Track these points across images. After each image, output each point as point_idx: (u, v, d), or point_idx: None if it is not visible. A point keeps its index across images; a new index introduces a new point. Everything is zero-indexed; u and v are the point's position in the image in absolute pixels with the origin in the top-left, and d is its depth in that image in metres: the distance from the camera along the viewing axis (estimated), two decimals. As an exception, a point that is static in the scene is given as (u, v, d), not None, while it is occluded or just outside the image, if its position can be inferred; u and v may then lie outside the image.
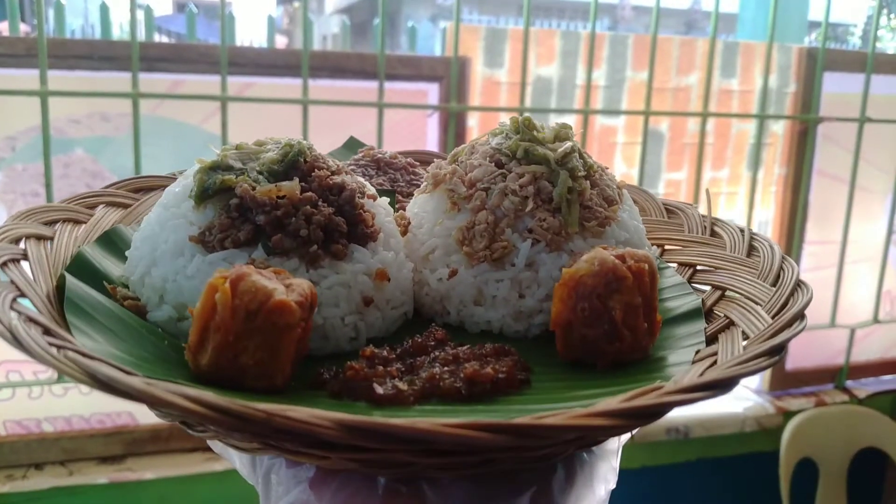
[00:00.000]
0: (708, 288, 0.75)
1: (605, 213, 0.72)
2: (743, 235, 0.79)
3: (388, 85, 1.65)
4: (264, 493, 0.58)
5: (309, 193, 0.66)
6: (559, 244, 0.69)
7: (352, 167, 0.96)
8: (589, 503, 0.54)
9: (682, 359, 0.60)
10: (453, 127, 1.69)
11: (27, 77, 1.45)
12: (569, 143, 0.73)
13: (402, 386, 0.55)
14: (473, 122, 1.83)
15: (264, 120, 1.62)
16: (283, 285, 0.56)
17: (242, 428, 0.41)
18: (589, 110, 1.84)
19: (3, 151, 1.53)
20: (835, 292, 2.23)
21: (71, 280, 0.59)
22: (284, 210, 0.64)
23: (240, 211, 0.64)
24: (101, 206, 0.80)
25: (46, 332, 0.51)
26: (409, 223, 0.76)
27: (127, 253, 0.73)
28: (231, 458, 0.63)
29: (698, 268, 0.79)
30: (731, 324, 0.65)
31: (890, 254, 2.30)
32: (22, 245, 0.66)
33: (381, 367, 0.57)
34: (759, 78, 2.05)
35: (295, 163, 0.68)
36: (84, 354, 0.48)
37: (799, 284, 0.64)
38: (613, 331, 0.61)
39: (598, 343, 0.61)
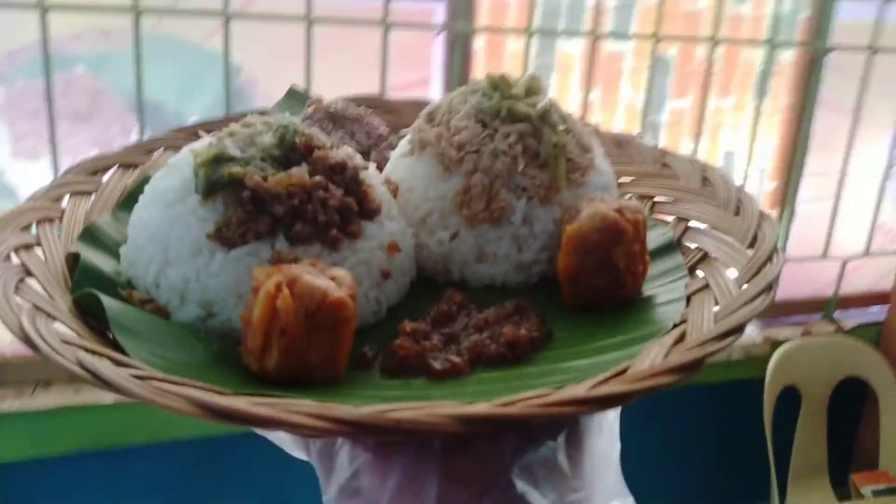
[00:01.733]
0: (670, 219, 0.83)
1: (585, 162, 0.78)
2: (693, 166, 0.87)
3: (393, 5, 1.60)
4: (325, 470, 0.62)
5: (318, 177, 0.67)
6: (550, 198, 0.75)
7: (309, 124, 0.96)
8: (611, 436, 0.63)
9: (676, 295, 0.69)
10: (459, 51, 1.64)
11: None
12: (546, 99, 0.77)
13: (455, 358, 0.60)
14: (481, 43, 1.76)
15: (267, 38, 1.57)
16: (329, 278, 0.59)
17: (373, 436, 0.45)
18: (597, 33, 1.81)
19: (2, 67, 1.47)
20: (829, 224, 2.27)
21: (105, 299, 0.58)
22: (299, 198, 0.65)
23: (254, 203, 0.65)
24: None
25: (115, 362, 0.51)
26: (397, 187, 0.79)
27: (121, 251, 0.71)
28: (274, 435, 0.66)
29: (655, 200, 0.87)
30: (706, 255, 0.74)
31: (888, 187, 2.32)
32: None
33: (427, 342, 0.62)
34: (772, 2, 2.02)
35: (293, 145, 0.68)
36: (167, 381, 0.49)
37: (762, 214, 0.73)
38: (618, 279, 0.68)
39: (604, 291, 0.68)
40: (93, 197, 0.81)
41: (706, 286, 0.68)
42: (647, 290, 0.72)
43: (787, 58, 2.18)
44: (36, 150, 1.55)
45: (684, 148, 2.12)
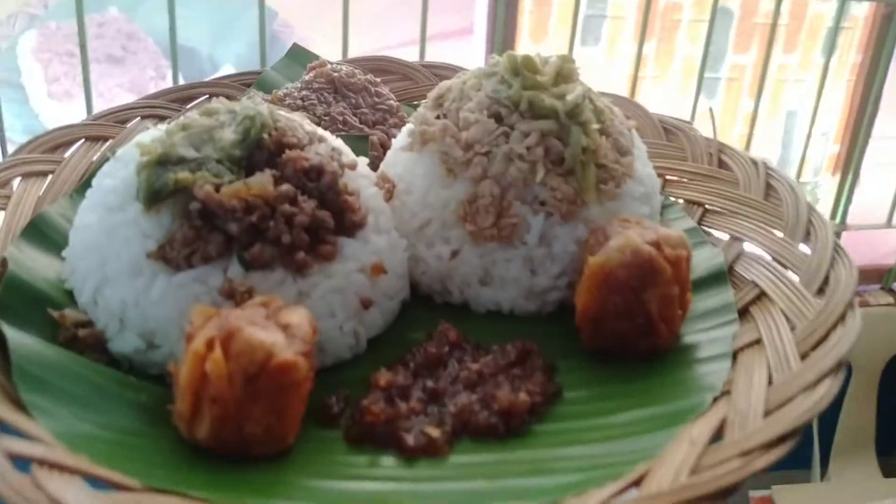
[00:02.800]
0: (724, 236, 0.69)
1: (622, 168, 0.63)
2: (757, 170, 0.72)
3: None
4: None
5: (285, 187, 0.54)
6: (574, 213, 0.61)
7: (305, 94, 0.83)
8: None
9: (719, 349, 0.55)
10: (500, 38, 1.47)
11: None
12: (577, 89, 0.63)
13: (433, 432, 0.48)
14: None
15: None
16: (280, 326, 0.47)
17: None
18: None
19: (36, 9, 1.47)
20: None
21: (13, 337, 0.48)
22: (259, 213, 0.53)
23: (204, 217, 0.53)
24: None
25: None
26: (394, 186, 0.66)
27: (64, 254, 0.61)
28: None
29: (707, 207, 0.73)
30: (762, 295, 0.60)
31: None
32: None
33: (402, 404, 0.51)
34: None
35: (259, 141, 0.56)
36: (57, 465, 0.40)
37: (837, 251, 0.59)
38: (648, 325, 0.55)
39: (631, 337, 0.56)
40: (49, 178, 0.71)
41: (758, 341, 0.55)
42: (687, 331, 0.59)
43: (860, 12, 1.97)
44: (70, 92, 1.54)
45: (744, 107, 1.93)
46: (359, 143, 0.71)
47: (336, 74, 0.85)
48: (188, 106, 0.84)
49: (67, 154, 0.73)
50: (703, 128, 0.82)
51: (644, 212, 0.65)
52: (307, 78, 0.85)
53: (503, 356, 0.56)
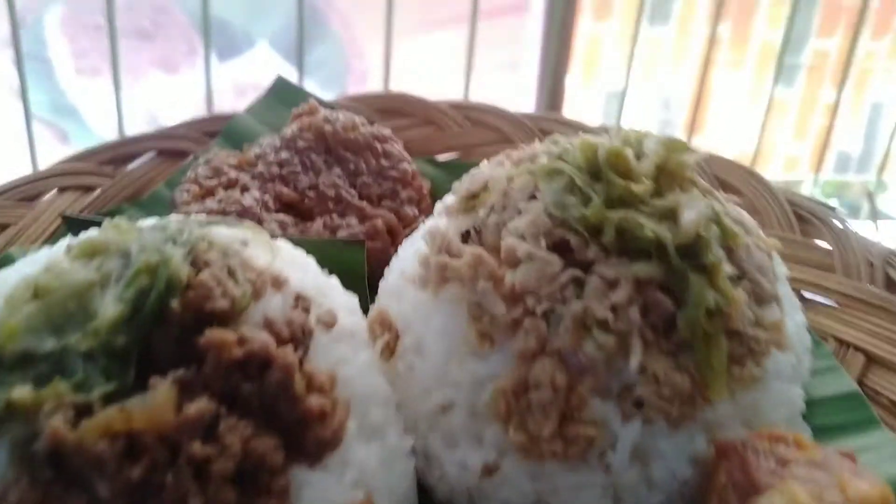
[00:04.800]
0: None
1: (765, 335, 0.39)
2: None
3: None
4: None
5: (196, 407, 0.31)
6: (689, 415, 0.37)
7: (285, 156, 0.59)
8: None
9: None
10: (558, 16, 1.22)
11: None
12: (696, 200, 0.38)
13: None
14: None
15: None
16: None
17: None
18: None
19: None
20: None
21: None
22: (148, 462, 0.30)
23: (56, 467, 0.30)
24: None
25: None
26: (397, 338, 0.43)
27: None
28: None
29: (872, 354, 0.48)
30: None
31: None
32: None
33: None
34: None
35: (162, 313, 0.33)
36: None
37: None
38: None
39: None
40: None
41: None
42: None
43: (959, -5, 1.78)
44: (97, 68, 1.44)
45: (825, 96, 1.77)
46: (348, 252, 0.47)
47: (329, 128, 0.61)
48: (128, 167, 0.62)
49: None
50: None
51: (795, 396, 0.41)
52: (290, 132, 0.61)
53: None
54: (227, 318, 0.35)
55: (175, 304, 0.34)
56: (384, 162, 0.61)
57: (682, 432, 0.38)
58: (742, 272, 0.40)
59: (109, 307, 0.33)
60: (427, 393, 0.41)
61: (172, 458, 0.31)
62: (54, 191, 0.59)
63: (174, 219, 0.39)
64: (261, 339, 0.34)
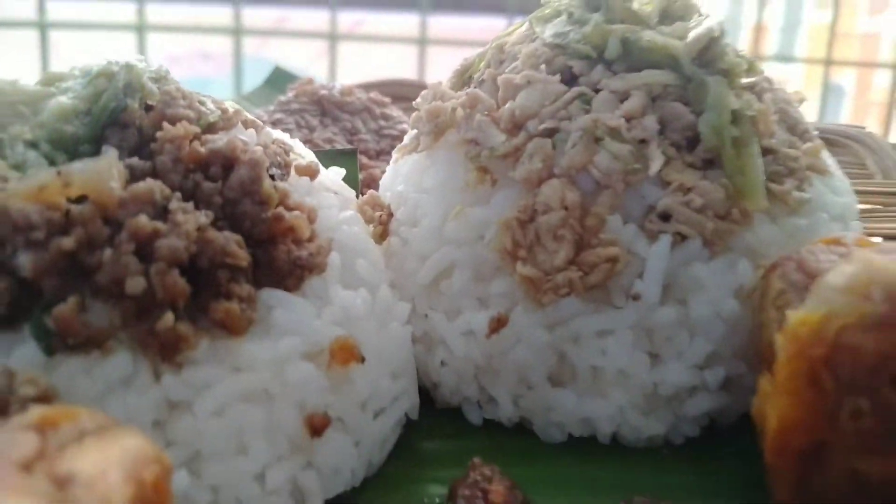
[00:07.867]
0: None
1: (803, 157, 0.34)
2: None
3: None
4: None
5: (148, 184, 0.27)
6: (727, 237, 0.32)
7: (279, 116, 0.58)
8: None
9: None
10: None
11: (124, 6, 1.24)
12: (709, 21, 0.35)
13: None
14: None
15: (376, 59, 1.39)
16: (53, 482, 0.18)
17: None
18: (758, 56, 1.46)
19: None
20: None
21: None
22: (83, 235, 0.25)
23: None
24: None
25: None
26: (390, 215, 0.38)
27: None
28: None
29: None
30: None
31: None
32: None
33: None
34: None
35: (122, 116, 0.29)
36: None
37: None
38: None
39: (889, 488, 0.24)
40: None
41: None
42: None
43: None
44: None
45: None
46: (341, 159, 0.44)
47: (325, 92, 0.60)
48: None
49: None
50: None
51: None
52: (283, 98, 0.60)
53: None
54: (191, 122, 0.31)
55: (134, 103, 0.30)
56: (382, 122, 0.59)
57: (722, 258, 0.32)
58: (763, 91, 0.36)
59: (63, 99, 0.30)
60: (421, 259, 0.36)
61: (111, 234, 0.26)
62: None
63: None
64: (228, 140, 0.30)
